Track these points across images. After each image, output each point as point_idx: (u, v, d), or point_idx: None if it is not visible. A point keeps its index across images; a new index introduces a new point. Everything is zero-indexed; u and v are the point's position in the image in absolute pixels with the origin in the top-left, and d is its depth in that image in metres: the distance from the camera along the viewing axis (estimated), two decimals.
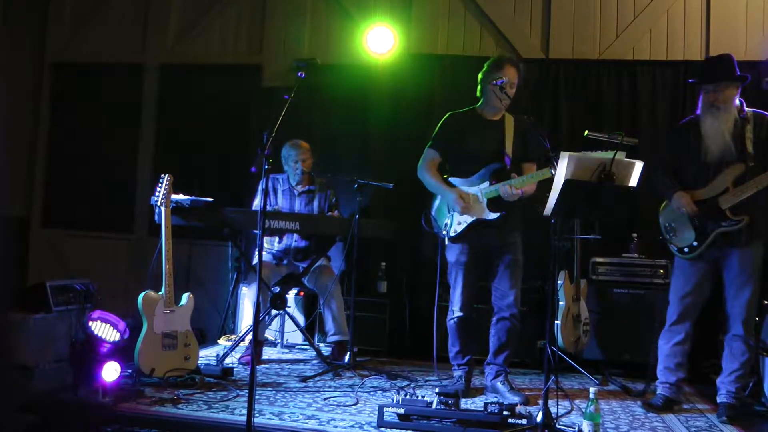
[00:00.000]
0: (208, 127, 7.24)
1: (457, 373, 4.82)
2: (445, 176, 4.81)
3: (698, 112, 4.55)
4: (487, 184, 4.61)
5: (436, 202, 4.86)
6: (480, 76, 4.72)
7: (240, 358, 5.41)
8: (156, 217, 4.83)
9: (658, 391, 4.65)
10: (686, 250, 4.53)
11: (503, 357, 4.77)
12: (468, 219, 4.64)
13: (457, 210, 4.63)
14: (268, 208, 5.69)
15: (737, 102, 4.44)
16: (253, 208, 5.72)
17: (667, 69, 6.49)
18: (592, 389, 3.59)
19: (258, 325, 3.65)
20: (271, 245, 5.82)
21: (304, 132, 6.15)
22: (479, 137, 4.70)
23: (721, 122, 4.40)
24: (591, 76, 6.56)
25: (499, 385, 4.72)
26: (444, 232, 4.73)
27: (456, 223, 4.69)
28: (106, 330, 4.72)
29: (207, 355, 5.56)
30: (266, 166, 3.61)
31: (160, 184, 4.80)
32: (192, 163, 6.94)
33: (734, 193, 4.34)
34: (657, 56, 6.61)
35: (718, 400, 4.51)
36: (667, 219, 4.65)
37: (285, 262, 5.80)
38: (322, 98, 6.86)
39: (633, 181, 3.88)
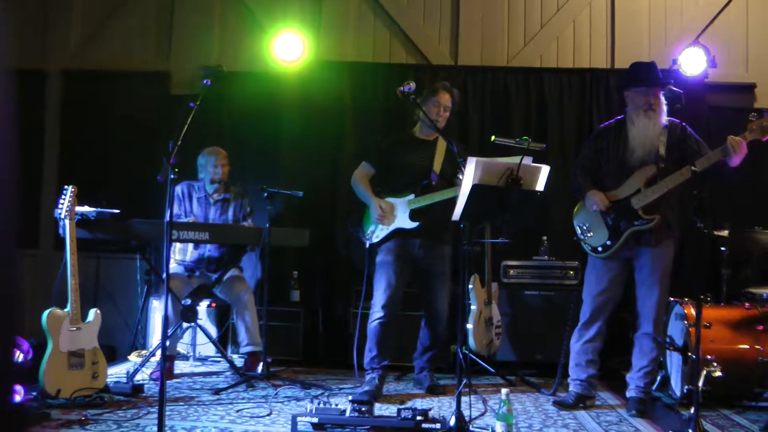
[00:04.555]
0: (116, 136, 7.01)
1: (370, 375, 4.88)
2: (378, 189, 5.07)
3: (620, 116, 4.71)
4: (412, 195, 4.88)
5: (367, 210, 5.08)
6: (418, 100, 4.87)
7: (151, 373, 5.27)
8: (60, 231, 4.67)
9: (570, 388, 4.75)
10: (600, 249, 4.63)
11: (428, 356, 5.19)
12: (389, 226, 4.89)
13: (373, 217, 4.90)
14: (184, 214, 5.64)
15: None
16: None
17: (574, 76, 6.66)
18: (504, 390, 3.62)
19: (166, 339, 3.56)
20: (183, 255, 5.72)
21: (214, 141, 6.04)
22: (411, 154, 5.01)
23: (654, 124, 4.52)
24: (499, 82, 6.67)
25: (422, 378, 5.18)
26: (367, 237, 4.99)
27: (380, 229, 4.93)
28: None
29: (117, 372, 5.42)
30: (172, 176, 3.53)
31: (63, 196, 4.66)
32: (99, 174, 6.78)
33: (646, 193, 4.46)
34: (564, 64, 6.80)
35: (628, 395, 4.65)
36: (582, 219, 4.75)
37: (197, 273, 5.70)
38: (233, 106, 6.77)
39: (540, 185, 3.96)
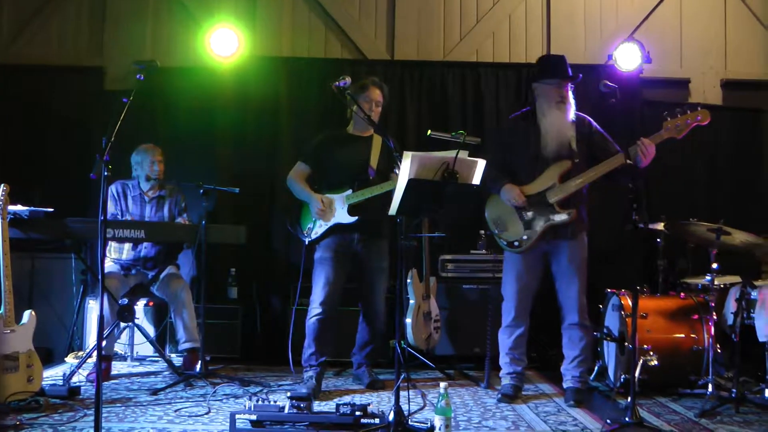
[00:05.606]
0: (50, 133, 6.83)
1: (307, 374, 4.87)
2: (315, 187, 5.05)
3: (527, 108, 4.75)
4: (350, 191, 4.87)
5: (305, 209, 5.05)
6: (348, 97, 4.83)
7: (87, 375, 5.17)
8: None
9: (507, 381, 4.79)
10: (516, 244, 4.66)
11: (366, 352, 5.21)
12: (328, 222, 4.89)
13: (313, 213, 4.89)
14: (120, 213, 5.55)
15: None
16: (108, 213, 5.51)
17: (510, 71, 6.73)
18: (442, 384, 3.63)
19: (103, 340, 3.50)
20: (119, 254, 5.62)
21: (148, 137, 5.91)
22: (347, 151, 5.01)
23: (565, 117, 4.57)
24: (436, 77, 6.71)
25: (361, 374, 5.19)
26: (305, 234, 4.97)
27: (318, 226, 4.92)
28: None
29: (54, 374, 5.32)
30: (106, 173, 3.47)
31: None
32: (33, 171, 6.60)
33: (561, 188, 4.52)
34: (500, 58, 6.88)
35: (564, 385, 4.73)
36: (494, 214, 4.78)
37: (133, 271, 5.61)
38: (167, 102, 6.66)
39: (476, 179, 3.98)
